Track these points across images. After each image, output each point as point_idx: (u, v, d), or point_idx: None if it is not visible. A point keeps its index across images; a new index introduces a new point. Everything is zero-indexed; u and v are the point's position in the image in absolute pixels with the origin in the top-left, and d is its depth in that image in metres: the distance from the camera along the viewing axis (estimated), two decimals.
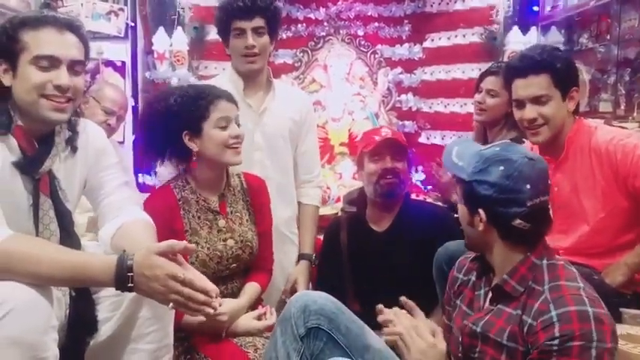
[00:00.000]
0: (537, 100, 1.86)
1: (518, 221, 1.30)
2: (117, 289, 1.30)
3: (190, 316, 1.35)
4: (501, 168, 1.30)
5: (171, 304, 1.29)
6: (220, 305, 1.38)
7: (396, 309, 1.35)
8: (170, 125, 1.76)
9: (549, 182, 1.35)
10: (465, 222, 1.41)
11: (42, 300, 1.22)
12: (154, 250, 1.30)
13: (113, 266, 1.28)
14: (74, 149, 1.53)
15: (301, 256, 2.26)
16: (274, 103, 2.22)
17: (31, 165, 1.42)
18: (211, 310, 1.31)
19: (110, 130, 2.56)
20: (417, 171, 3.59)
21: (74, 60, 1.43)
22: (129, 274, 1.27)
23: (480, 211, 1.33)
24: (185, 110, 1.74)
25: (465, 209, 1.39)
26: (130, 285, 1.28)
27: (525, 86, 1.87)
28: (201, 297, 1.29)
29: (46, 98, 1.40)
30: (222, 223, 1.82)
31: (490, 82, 2.50)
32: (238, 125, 1.80)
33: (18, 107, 1.42)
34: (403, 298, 1.40)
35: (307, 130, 2.31)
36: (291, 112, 2.25)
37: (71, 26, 1.44)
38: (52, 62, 1.40)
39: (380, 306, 1.39)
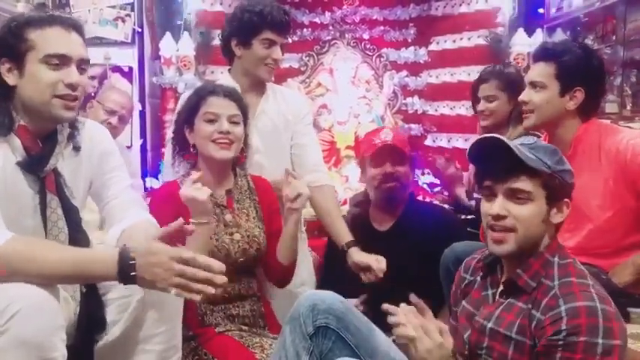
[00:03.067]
0: (533, 85, 1.92)
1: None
2: (120, 281, 1.28)
3: (193, 299, 1.29)
4: (563, 157, 1.35)
5: (174, 290, 1.25)
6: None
7: (403, 306, 1.32)
8: (177, 119, 1.93)
9: None
10: (539, 219, 1.32)
11: (49, 300, 1.23)
12: (153, 237, 1.30)
13: (116, 257, 1.26)
14: (77, 146, 1.53)
15: (348, 245, 2.04)
16: (268, 105, 2.24)
17: (36, 164, 1.42)
18: (212, 290, 1.26)
19: (112, 130, 2.58)
20: (423, 174, 3.59)
21: (82, 58, 1.44)
22: (131, 262, 1.25)
23: (567, 200, 1.34)
24: (185, 105, 1.90)
25: (542, 205, 1.31)
26: (132, 274, 1.25)
27: (531, 70, 1.96)
28: (204, 274, 1.25)
29: (58, 98, 1.40)
30: (228, 217, 1.85)
31: (485, 89, 2.54)
32: (236, 123, 1.82)
33: (23, 107, 1.42)
34: (413, 297, 1.36)
35: (303, 129, 2.29)
36: (284, 111, 2.26)
37: (75, 26, 1.45)
38: (62, 61, 1.40)
39: (385, 306, 1.34)
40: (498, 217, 1.32)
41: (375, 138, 2.18)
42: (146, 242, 1.30)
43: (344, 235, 2.09)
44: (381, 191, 2.14)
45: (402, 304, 1.32)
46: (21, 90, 1.41)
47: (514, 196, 1.31)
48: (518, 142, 1.33)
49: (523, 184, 1.30)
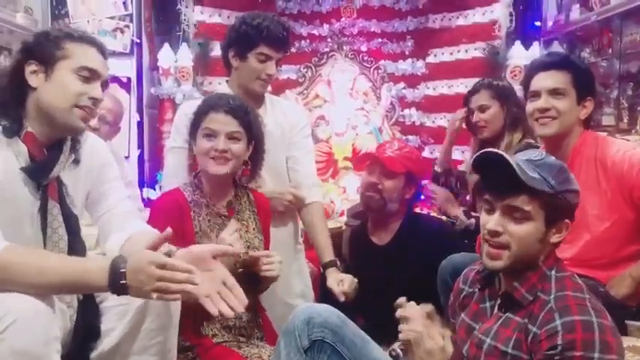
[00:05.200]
0: (554, 92, 1.90)
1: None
2: (112, 291, 1.28)
3: (174, 300, 1.31)
4: (572, 175, 1.31)
5: (154, 295, 1.26)
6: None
7: (412, 304, 1.32)
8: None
9: None
10: (535, 239, 1.28)
11: (44, 311, 1.23)
12: (144, 246, 1.32)
13: (107, 266, 1.27)
14: (77, 158, 1.55)
15: (325, 266, 2.10)
16: (266, 117, 2.23)
17: (40, 171, 1.44)
18: (190, 287, 1.27)
19: (92, 132, 2.56)
20: None
21: (106, 80, 1.52)
22: (122, 270, 1.26)
23: (567, 221, 1.30)
24: (192, 119, 1.89)
25: (540, 225, 1.28)
26: (122, 282, 1.26)
27: (545, 78, 1.92)
28: (182, 275, 1.26)
29: (79, 108, 1.45)
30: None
31: (477, 100, 2.56)
32: (237, 140, 1.81)
33: (37, 111, 1.44)
34: (422, 305, 1.35)
35: (301, 140, 2.30)
36: (282, 122, 2.26)
37: (103, 49, 1.54)
38: (93, 76, 1.47)
39: (399, 301, 1.35)
40: (493, 233, 1.30)
41: (378, 148, 2.25)
42: (138, 250, 1.31)
43: (326, 253, 2.11)
44: (362, 198, 2.20)
45: (411, 302, 1.33)
46: (42, 93, 1.44)
47: (511, 213, 1.28)
48: (525, 157, 1.29)
49: (522, 202, 1.27)
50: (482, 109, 2.52)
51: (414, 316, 1.30)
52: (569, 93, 1.90)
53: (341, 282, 1.99)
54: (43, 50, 1.44)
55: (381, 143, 2.36)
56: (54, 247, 1.45)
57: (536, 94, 1.94)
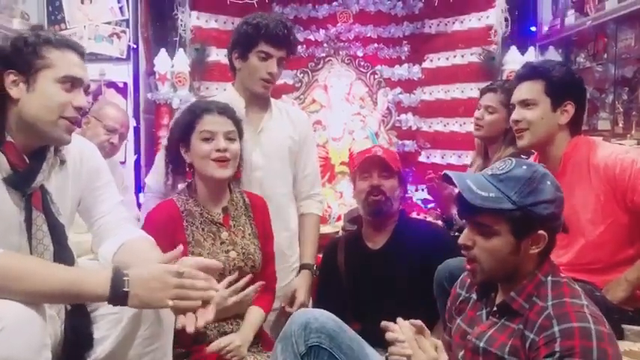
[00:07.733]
0: (523, 104, 1.94)
1: (560, 230, 1.32)
2: (111, 300, 1.27)
3: (191, 309, 1.31)
4: (548, 182, 1.28)
5: (170, 302, 1.27)
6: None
7: (399, 320, 1.30)
8: (171, 138, 1.91)
9: None
10: (506, 252, 1.29)
11: (35, 318, 1.22)
12: (157, 260, 1.34)
13: (109, 276, 1.27)
14: (62, 160, 1.52)
15: (302, 267, 2.24)
16: (272, 122, 2.23)
17: (23, 180, 1.41)
18: (213, 293, 1.31)
19: (113, 149, 2.58)
20: (417, 190, 3.60)
21: (88, 84, 1.49)
22: (125, 278, 1.26)
23: (542, 232, 1.28)
24: (179, 123, 1.88)
25: (509, 239, 1.28)
26: (125, 290, 1.26)
27: (518, 90, 1.97)
28: (202, 282, 1.30)
29: (65, 119, 1.42)
30: (224, 235, 1.84)
31: (488, 99, 2.53)
32: (233, 140, 1.82)
33: (21, 122, 1.40)
34: (411, 321, 1.33)
35: (308, 151, 2.32)
36: (289, 131, 2.26)
37: (82, 52, 1.49)
38: (75, 84, 1.43)
39: (384, 323, 1.33)
40: (463, 247, 1.33)
41: (365, 152, 2.21)
42: (143, 263, 1.33)
43: (307, 257, 2.25)
44: (368, 204, 2.13)
45: (399, 319, 1.31)
46: (25, 105, 1.40)
47: (479, 229, 1.30)
48: (490, 172, 1.30)
49: (484, 219, 1.29)
50: (490, 110, 2.51)
51: (403, 336, 1.28)
52: (540, 102, 1.91)
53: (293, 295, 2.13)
54: (22, 59, 1.39)
55: (366, 148, 2.33)
56: (39, 258, 1.41)
57: (513, 107, 1.98)
